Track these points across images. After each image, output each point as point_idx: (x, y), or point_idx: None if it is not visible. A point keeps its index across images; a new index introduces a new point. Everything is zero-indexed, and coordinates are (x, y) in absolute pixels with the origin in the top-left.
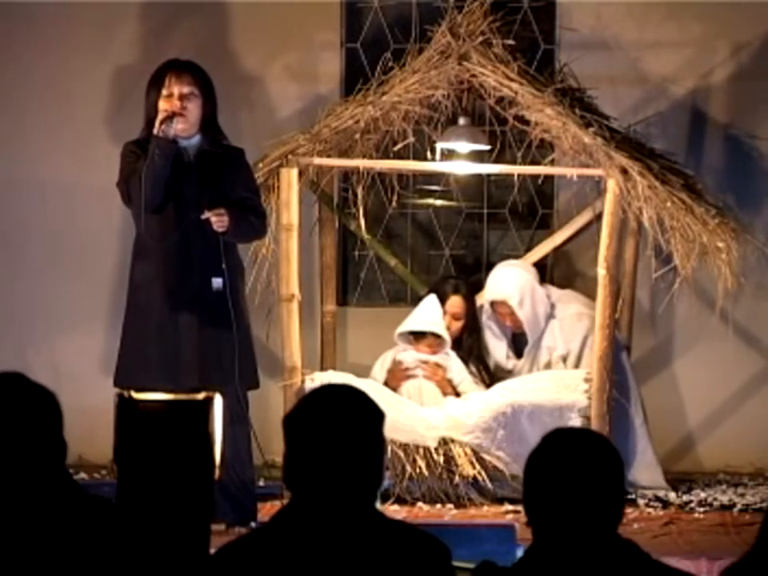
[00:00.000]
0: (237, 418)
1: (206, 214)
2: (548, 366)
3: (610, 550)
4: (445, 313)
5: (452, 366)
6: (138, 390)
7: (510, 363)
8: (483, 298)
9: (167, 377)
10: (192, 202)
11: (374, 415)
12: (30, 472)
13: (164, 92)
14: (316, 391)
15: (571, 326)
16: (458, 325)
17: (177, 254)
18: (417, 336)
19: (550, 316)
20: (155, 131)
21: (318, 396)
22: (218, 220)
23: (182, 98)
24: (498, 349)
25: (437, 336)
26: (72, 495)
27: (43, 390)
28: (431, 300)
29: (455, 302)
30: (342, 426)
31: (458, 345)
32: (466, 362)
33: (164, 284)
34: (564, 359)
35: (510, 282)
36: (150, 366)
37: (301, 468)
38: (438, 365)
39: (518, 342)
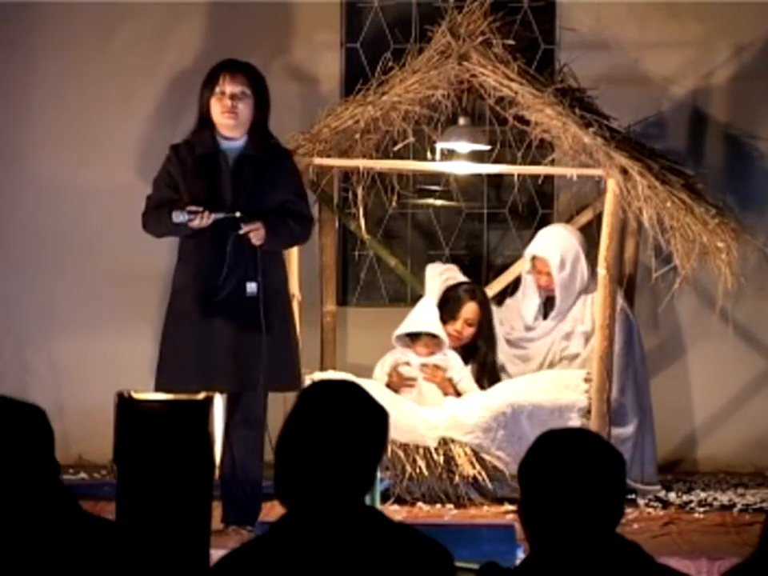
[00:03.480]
0: (255, 420)
1: (243, 230)
2: (568, 337)
3: (614, 553)
4: (459, 318)
5: (452, 365)
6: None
7: (537, 323)
8: (526, 252)
9: (204, 380)
10: (228, 208)
11: (371, 411)
12: (20, 495)
13: (216, 90)
14: (315, 386)
15: None
16: (470, 330)
17: (212, 259)
18: (413, 337)
19: (586, 290)
20: (176, 219)
21: (316, 392)
22: (254, 235)
23: (233, 97)
24: (529, 306)
25: (433, 336)
26: (70, 516)
27: (33, 410)
28: (427, 301)
29: (470, 308)
30: (337, 421)
31: (469, 352)
32: (479, 374)
33: (199, 288)
34: (587, 338)
35: (557, 242)
36: (188, 369)
37: (294, 469)
38: (437, 366)
39: (549, 307)
